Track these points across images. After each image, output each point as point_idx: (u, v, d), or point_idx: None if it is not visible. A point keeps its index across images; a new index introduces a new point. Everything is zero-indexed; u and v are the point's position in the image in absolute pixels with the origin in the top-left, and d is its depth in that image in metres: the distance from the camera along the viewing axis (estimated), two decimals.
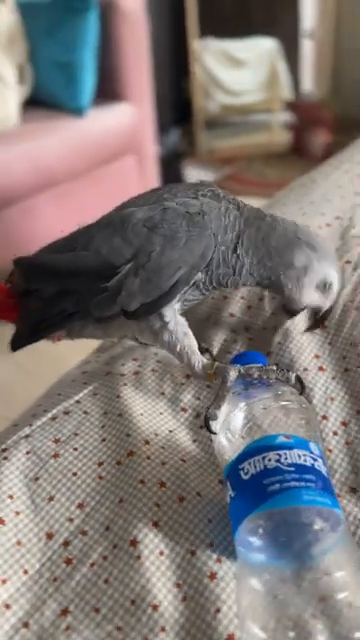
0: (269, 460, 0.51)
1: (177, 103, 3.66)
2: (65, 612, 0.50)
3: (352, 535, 0.57)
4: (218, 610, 0.49)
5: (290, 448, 0.51)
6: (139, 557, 0.52)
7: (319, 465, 0.51)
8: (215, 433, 0.59)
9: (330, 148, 3.12)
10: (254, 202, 0.90)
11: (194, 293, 0.69)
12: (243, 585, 0.48)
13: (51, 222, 2.16)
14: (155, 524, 0.55)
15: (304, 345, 0.73)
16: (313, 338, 0.74)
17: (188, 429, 0.66)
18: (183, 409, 0.69)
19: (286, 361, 0.71)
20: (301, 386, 0.63)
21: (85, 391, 0.70)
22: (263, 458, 0.51)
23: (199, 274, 0.65)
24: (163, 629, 0.48)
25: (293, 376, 0.63)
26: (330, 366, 0.71)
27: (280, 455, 0.51)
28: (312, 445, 0.53)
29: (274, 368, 0.62)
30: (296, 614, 0.44)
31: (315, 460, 0.51)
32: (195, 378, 0.70)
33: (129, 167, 2.53)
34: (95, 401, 0.69)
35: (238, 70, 3.72)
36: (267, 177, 3.31)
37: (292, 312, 0.71)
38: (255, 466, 0.51)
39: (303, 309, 0.70)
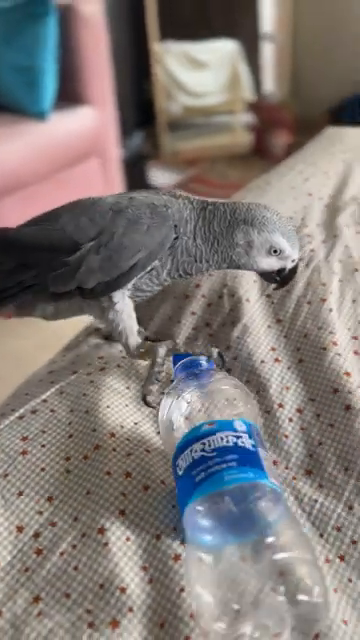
0: (195, 451, 0.53)
1: (140, 105, 3.69)
2: (37, 599, 0.52)
3: (308, 514, 0.61)
4: (183, 589, 0.52)
5: (213, 433, 0.54)
6: (107, 544, 0.55)
7: (243, 441, 0.53)
8: (154, 407, 0.65)
9: (291, 149, 3.18)
10: None
11: (150, 284, 0.72)
12: (192, 563, 0.50)
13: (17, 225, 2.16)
14: (121, 512, 0.58)
15: (261, 339, 0.77)
16: (269, 332, 0.78)
17: (152, 421, 0.69)
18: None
19: (244, 354, 0.75)
20: (222, 361, 0.68)
21: (52, 390, 0.72)
22: (190, 451, 0.54)
23: (156, 262, 0.69)
24: (131, 609, 0.51)
25: (215, 351, 0.68)
26: (286, 357, 0.75)
27: (204, 443, 0.53)
28: (237, 423, 0.55)
29: (198, 343, 0.67)
30: (243, 585, 0.46)
31: (238, 437, 0.53)
32: (130, 357, 0.74)
33: (93, 170, 2.55)
34: (62, 399, 0.71)
35: (200, 72, 3.77)
36: (230, 178, 3.37)
37: (265, 277, 0.74)
38: (185, 460, 0.54)
39: (271, 274, 0.73)
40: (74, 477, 0.61)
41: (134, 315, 0.72)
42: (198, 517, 0.50)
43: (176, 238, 0.69)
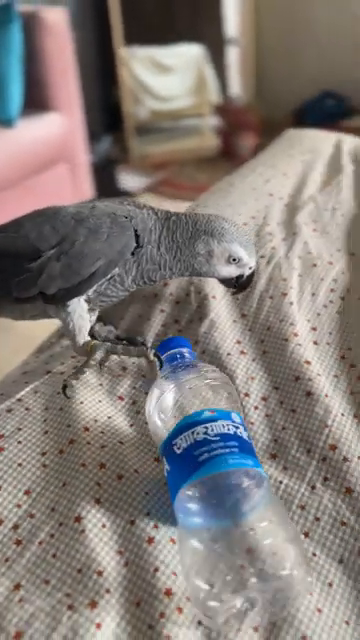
0: (197, 433, 0.57)
1: (107, 110, 3.71)
2: (17, 587, 0.55)
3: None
4: (157, 569, 0.55)
5: (215, 420, 0.58)
6: (83, 531, 0.58)
7: (240, 432, 0.58)
8: (68, 397, 0.71)
9: (257, 151, 3.24)
10: (186, 206, 0.97)
11: (114, 289, 0.75)
12: (184, 546, 0.54)
13: None
14: (97, 501, 0.60)
15: (227, 333, 0.81)
16: (235, 326, 0.82)
17: (125, 415, 0.72)
18: (120, 397, 0.75)
19: (211, 348, 0.79)
20: (159, 360, 0.71)
21: (27, 389, 0.75)
22: (192, 432, 0.57)
23: (116, 269, 0.72)
24: (108, 591, 0.54)
25: (152, 353, 0.72)
26: (250, 350, 0.79)
27: (207, 427, 0.57)
28: (234, 415, 0.60)
29: (133, 348, 0.73)
30: (231, 564, 0.50)
31: (237, 428, 0.58)
32: (78, 354, 0.77)
33: (62, 175, 2.56)
34: (36, 398, 0.73)
35: (166, 76, 3.81)
36: (198, 181, 3.41)
37: (225, 284, 0.79)
38: (186, 440, 0.57)
39: (230, 280, 0.77)
40: (50, 471, 0.64)
41: (87, 316, 0.75)
42: (196, 496, 0.54)
43: (140, 247, 0.73)
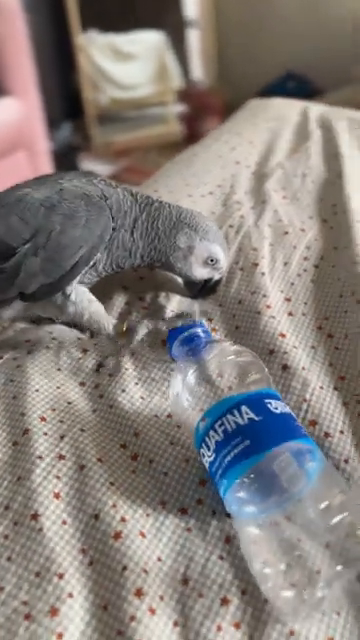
0: (239, 416, 0.51)
1: (67, 97, 3.61)
2: None
3: None
4: (125, 567, 0.49)
5: (278, 398, 0.54)
6: (41, 529, 0.52)
7: (281, 408, 0.53)
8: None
9: None
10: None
11: (90, 275, 0.70)
12: (244, 536, 0.49)
13: None
14: (56, 495, 0.54)
15: (196, 311, 0.75)
16: (204, 303, 0.76)
17: (87, 400, 0.66)
18: (82, 383, 0.68)
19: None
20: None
21: None
22: (233, 415, 0.51)
23: (98, 254, 0.67)
24: (71, 595, 0.48)
25: (197, 312, 0.71)
26: (222, 326, 0.73)
27: (248, 409, 0.51)
28: (269, 391, 0.55)
29: (175, 317, 0.70)
30: (293, 544, 0.46)
31: (277, 404, 0.53)
32: (108, 339, 0.71)
33: (21, 163, 2.47)
34: None
35: (126, 64, 3.73)
36: (163, 167, 3.35)
37: (190, 286, 0.76)
38: (229, 424, 0.51)
39: (199, 282, 0.74)
40: (3, 464, 0.57)
41: (94, 298, 0.71)
42: (252, 482, 0.48)
43: (114, 230, 0.67)
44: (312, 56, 3.64)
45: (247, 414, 0.51)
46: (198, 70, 4.06)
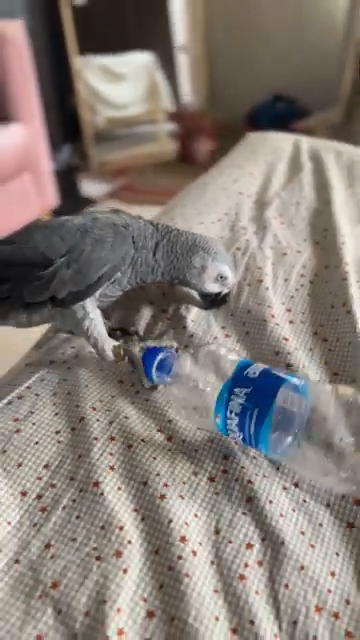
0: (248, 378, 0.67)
1: (65, 120, 3.75)
2: (48, 546, 0.61)
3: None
4: (170, 520, 0.63)
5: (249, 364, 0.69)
6: (102, 494, 0.65)
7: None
8: (155, 388, 0.79)
9: (214, 154, 3.37)
10: (149, 209, 1.07)
11: (113, 290, 0.84)
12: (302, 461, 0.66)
13: None
14: (111, 468, 0.68)
15: (211, 319, 0.89)
16: (218, 313, 0.91)
17: (126, 395, 0.79)
18: (120, 381, 0.82)
19: (200, 333, 0.87)
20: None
21: (33, 378, 0.81)
22: (245, 380, 0.66)
23: (119, 273, 0.81)
24: (130, 542, 0.61)
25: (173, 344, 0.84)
26: (234, 332, 0.87)
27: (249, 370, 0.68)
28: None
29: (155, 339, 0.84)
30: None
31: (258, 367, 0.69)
32: (104, 359, 0.83)
33: (27, 184, 2.61)
34: (44, 385, 0.80)
35: (119, 84, 3.88)
36: (159, 185, 3.50)
37: (204, 298, 0.90)
38: (244, 390, 0.66)
39: (211, 295, 0.89)
40: (65, 446, 0.71)
41: (102, 322, 0.83)
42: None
43: (136, 251, 0.82)
44: (298, 78, 3.81)
45: (241, 392, 0.66)
46: (188, 92, 4.23)
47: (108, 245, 0.79)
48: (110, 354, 0.81)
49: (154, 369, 0.75)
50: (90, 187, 3.44)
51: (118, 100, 3.88)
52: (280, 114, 3.78)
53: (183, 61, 4.14)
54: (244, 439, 0.67)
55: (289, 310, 0.89)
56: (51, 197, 2.79)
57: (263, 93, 3.87)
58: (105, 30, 3.78)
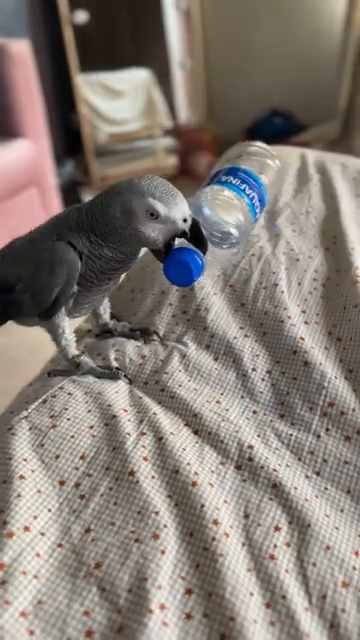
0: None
1: (68, 135, 3.83)
2: (88, 530, 0.65)
3: (286, 445, 0.78)
4: (202, 505, 0.67)
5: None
6: (137, 482, 0.69)
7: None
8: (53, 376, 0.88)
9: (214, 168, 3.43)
10: None
11: (88, 294, 0.83)
12: None
13: None
14: (145, 458, 0.72)
15: (230, 320, 0.94)
16: (237, 315, 0.95)
17: (153, 394, 0.84)
18: (145, 382, 0.86)
19: (220, 333, 0.92)
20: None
21: (65, 380, 0.85)
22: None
23: (75, 287, 0.79)
24: (166, 525, 0.65)
25: (122, 375, 0.87)
26: (252, 333, 0.92)
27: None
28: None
29: (109, 372, 0.87)
30: None
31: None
32: (66, 360, 0.88)
33: (33, 199, 2.67)
34: (75, 386, 0.84)
35: (117, 100, 3.96)
36: None
37: (156, 254, 0.79)
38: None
39: (159, 244, 0.76)
40: (100, 439, 0.75)
41: (70, 330, 0.86)
42: None
43: (80, 254, 0.76)
44: (295, 93, 3.90)
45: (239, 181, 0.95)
46: (185, 108, 4.32)
47: (46, 271, 0.76)
48: (70, 360, 0.86)
49: (197, 257, 0.76)
50: None
51: (117, 116, 3.96)
52: (279, 128, 3.87)
53: (179, 78, 4.23)
54: (261, 200, 0.96)
55: (304, 312, 0.94)
56: (56, 211, 2.84)
57: (261, 108, 3.96)
58: (103, 47, 3.87)
